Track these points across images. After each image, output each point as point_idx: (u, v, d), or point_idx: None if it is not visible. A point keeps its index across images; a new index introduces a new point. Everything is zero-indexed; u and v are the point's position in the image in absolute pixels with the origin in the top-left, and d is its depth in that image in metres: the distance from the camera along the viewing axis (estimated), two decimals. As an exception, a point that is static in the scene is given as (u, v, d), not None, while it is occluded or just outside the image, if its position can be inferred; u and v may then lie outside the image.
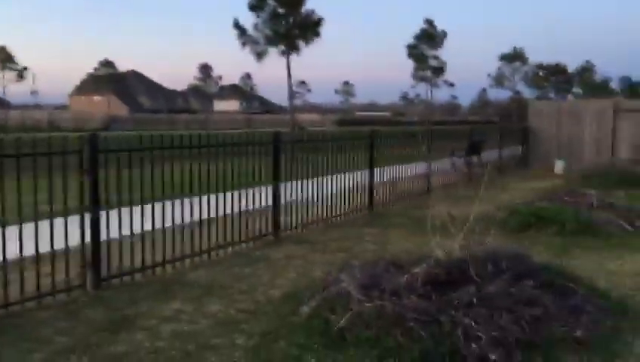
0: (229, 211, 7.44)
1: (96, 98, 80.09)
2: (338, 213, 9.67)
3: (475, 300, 4.09)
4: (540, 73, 67.01)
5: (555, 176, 16.32)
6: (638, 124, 17.48)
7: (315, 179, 9.39)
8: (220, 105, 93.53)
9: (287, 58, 29.23)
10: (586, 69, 72.98)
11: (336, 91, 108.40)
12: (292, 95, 23.87)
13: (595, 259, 6.93)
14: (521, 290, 4.23)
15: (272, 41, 30.41)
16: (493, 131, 18.34)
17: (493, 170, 17.16)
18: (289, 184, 8.58)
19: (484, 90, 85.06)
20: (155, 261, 6.36)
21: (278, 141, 8.06)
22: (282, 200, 8.31)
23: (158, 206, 6.41)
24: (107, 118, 57.22)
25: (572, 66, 73.74)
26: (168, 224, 6.61)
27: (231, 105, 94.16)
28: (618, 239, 7.87)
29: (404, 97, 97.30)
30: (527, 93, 67.24)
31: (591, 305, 4.54)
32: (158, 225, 6.45)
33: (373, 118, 78.29)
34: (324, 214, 9.32)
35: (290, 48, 28.65)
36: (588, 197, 9.10)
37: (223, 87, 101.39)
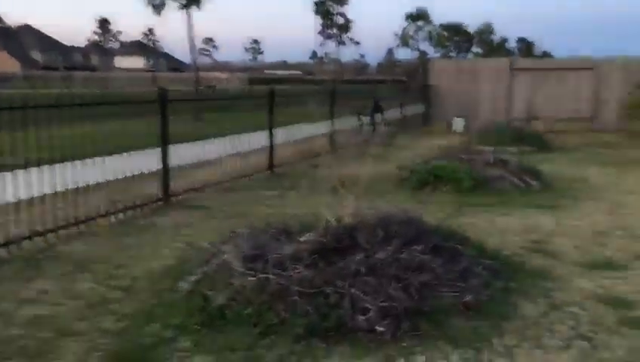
0: (112, 176, 6.83)
1: (-16, 54, 73.31)
2: (236, 175, 9.23)
3: (363, 269, 3.86)
4: (444, 33, 68.50)
5: (454, 134, 16.67)
6: (533, 82, 18.15)
7: (212, 140, 8.88)
8: (123, 63, 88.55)
9: (187, 11, 27.79)
10: (485, 30, 75.45)
11: (246, 49, 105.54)
12: (194, 50, 22.81)
13: (487, 216, 6.99)
14: (411, 256, 4.05)
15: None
16: (397, 90, 18.41)
17: (397, 128, 17.29)
18: (182, 145, 8.03)
19: (390, 49, 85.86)
20: (23, 233, 5.68)
21: (164, 99, 7.44)
22: (174, 163, 7.77)
23: (29, 171, 5.71)
24: (-7, 75, 52.54)
25: (473, 27, 75.92)
26: (40, 191, 5.93)
27: (135, 62, 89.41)
28: (509, 196, 8.01)
29: (314, 56, 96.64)
30: (431, 53, 68.74)
31: (481, 266, 4.45)
32: (28, 192, 5.76)
33: (284, 77, 77.18)
34: (221, 177, 8.87)
35: (190, 1, 27.21)
36: (484, 154, 9.22)
37: (126, 44, 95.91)
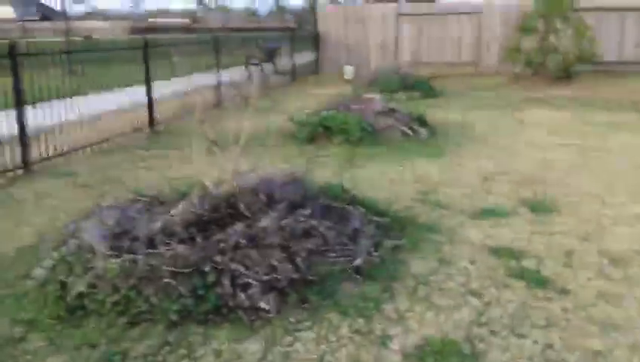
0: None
1: None
2: (111, 134, 8.43)
3: (243, 241, 3.48)
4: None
5: (345, 82, 16.46)
6: (419, 28, 18.24)
7: (82, 96, 7.99)
8: (-12, 12, 79.79)
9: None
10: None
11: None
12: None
13: (377, 167, 6.83)
14: (297, 222, 3.73)
15: None
16: (287, 38, 17.80)
17: (288, 78, 16.83)
18: (47, 105, 7.13)
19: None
20: None
21: (13, 54, 6.47)
22: (35, 125, 6.89)
23: None
24: None
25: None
26: None
27: (3, 12, 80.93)
28: (399, 144, 7.92)
29: (200, 3, 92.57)
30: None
31: (372, 226, 4.24)
32: None
33: (169, 25, 73.05)
34: (93, 138, 8.05)
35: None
36: (373, 103, 9.05)
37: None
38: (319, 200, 4.15)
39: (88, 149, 7.87)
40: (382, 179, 6.36)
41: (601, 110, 10.85)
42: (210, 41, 12.14)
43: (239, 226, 3.59)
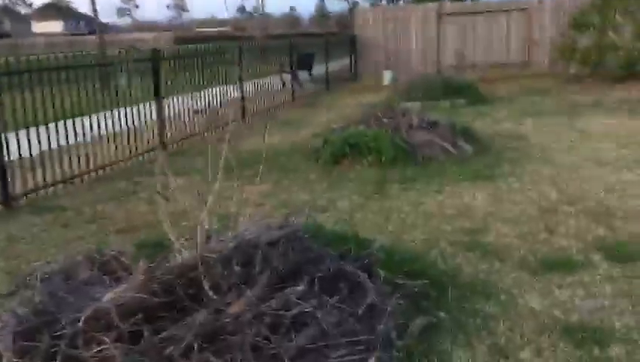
0: None
1: None
2: (115, 158, 7.57)
3: (200, 340, 2.42)
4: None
5: (384, 89, 15.28)
6: (462, 28, 16.91)
7: (83, 117, 7.16)
8: (40, 27, 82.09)
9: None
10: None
11: (168, 7, 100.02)
12: (95, 10, 20.20)
13: (411, 196, 5.68)
14: (285, 302, 2.64)
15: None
16: (323, 44, 16.74)
17: (323, 85, 15.81)
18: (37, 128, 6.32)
19: (322, 1, 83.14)
20: None
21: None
22: (16, 153, 6.06)
23: None
24: None
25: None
26: None
27: (53, 26, 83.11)
28: (439, 165, 6.72)
29: (242, 10, 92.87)
30: (362, 2, 66.70)
31: (396, 296, 3.11)
32: None
33: (213, 35, 73.20)
34: (95, 163, 7.20)
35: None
36: (408, 116, 7.88)
37: (41, 7, 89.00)
38: (323, 263, 3.05)
39: (86, 176, 7.01)
40: (416, 212, 5.20)
41: (678, 115, 9.35)
42: (234, 50, 11.20)
43: (200, 315, 2.53)
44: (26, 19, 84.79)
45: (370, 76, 17.41)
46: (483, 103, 11.55)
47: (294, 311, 2.61)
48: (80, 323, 2.48)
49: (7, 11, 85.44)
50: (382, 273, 3.26)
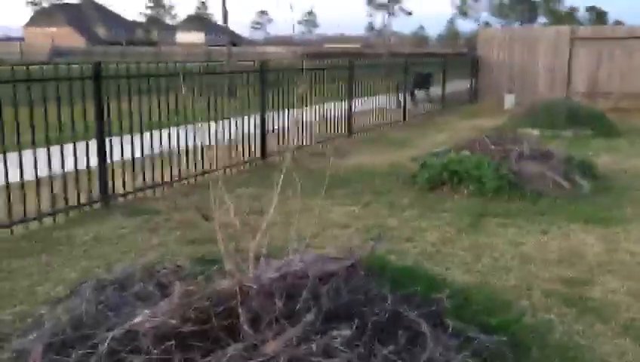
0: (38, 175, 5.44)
1: (51, 30, 74.60)
2: (214, 166, 7.68)
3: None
4: (505, 1, 64.05)
5: (503, 113, 14.44)
6: (597, 53, 15.60)
7: (186, 125, 7.34)
8: (183, 38, 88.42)
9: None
10: (552, -2, 70.29)
11: (300, 22, 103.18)
12: (225, 22, 21.06)
13: (510, 234, 5.13)
14: (324, 349, 2.35)
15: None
16: (443, 63, 16.20)
17: (439, 106, 15.29)
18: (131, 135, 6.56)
19: (451, 20, 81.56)
20: None
21: (98, 75, 5.90)
22: (118, 155, 6.31)
23: None
24: (51, 50, 53.37)
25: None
26: None
27: (195, 37, 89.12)
28: (548, 202, 6.06)
29: (371, 29, 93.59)
30: (493, 23, 64.66)
31: (464, 353, 2.70)
32: None
33: (342, 51, 74.43)
34: (195, 169, 7.35)
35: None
36: (519, 144, 7.23)
37: (186, 19, 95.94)
38: (380, 305, 2.72)
39: (186, 182, 7.18)
40: (513, 253, 4.67)
41: None
42: (343, 67, 11.07)
43: (231, 349, 2.31)
44: (172, 30, 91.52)
45: (490, 99, 16.60)
46: (612, 136, 10.48)
47: (335, 360, 2.30)
48: (106, 343, 2.35)
49: (155, 21, 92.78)
50: (451, 323, 2.86)
